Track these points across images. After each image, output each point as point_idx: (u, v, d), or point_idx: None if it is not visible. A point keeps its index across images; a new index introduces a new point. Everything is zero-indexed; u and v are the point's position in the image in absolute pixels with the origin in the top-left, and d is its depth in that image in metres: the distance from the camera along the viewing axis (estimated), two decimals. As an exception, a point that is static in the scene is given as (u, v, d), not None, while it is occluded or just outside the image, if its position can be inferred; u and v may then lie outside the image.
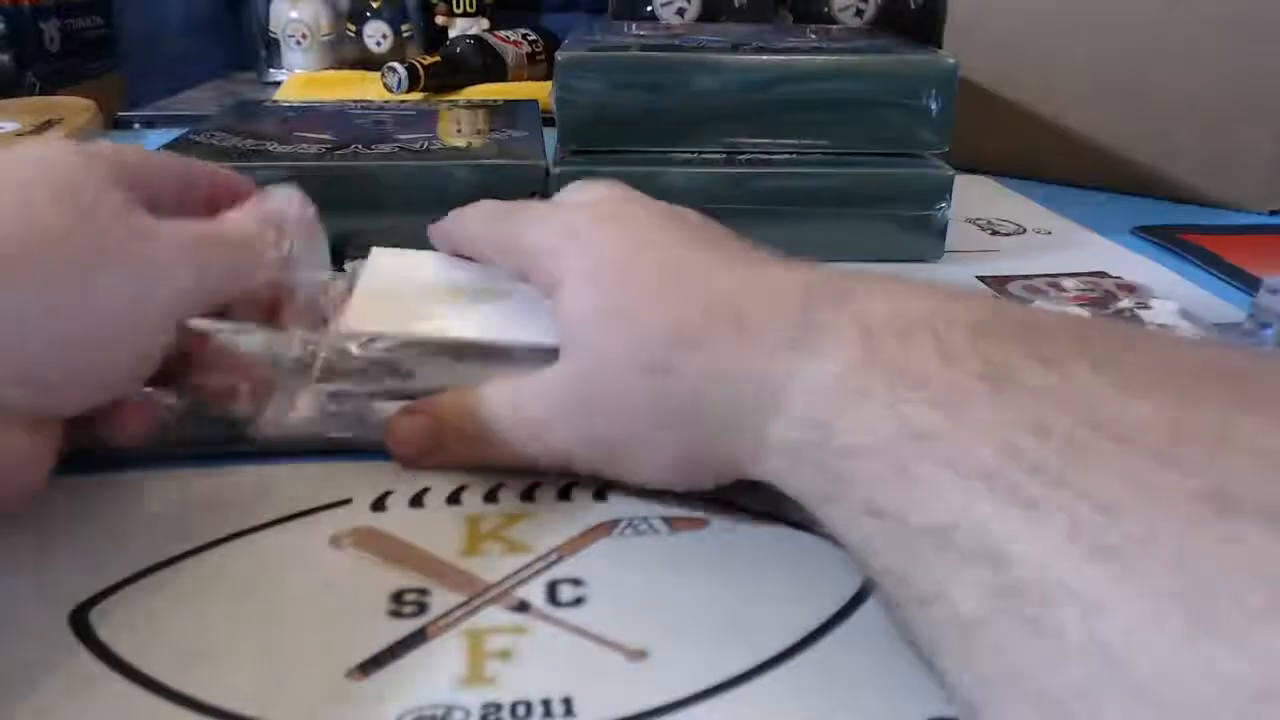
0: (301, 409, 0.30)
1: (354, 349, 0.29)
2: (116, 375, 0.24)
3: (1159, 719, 0.13)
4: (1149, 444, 0.15)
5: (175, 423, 0.29)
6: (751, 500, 0.27)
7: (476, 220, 0.32)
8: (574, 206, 0.29)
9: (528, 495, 0.27)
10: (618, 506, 0.27)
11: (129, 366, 0.24)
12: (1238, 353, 0.18)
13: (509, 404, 0.27)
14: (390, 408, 0.29)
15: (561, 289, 0.26)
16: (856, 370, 0.20)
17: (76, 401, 0.23)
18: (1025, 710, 0.15)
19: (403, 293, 0.32)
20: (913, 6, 0.76)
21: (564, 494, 0.27)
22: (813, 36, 0.58)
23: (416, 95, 0.79)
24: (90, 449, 0.26)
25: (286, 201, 0.30)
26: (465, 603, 0.23)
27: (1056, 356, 0.18)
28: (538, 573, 0.24)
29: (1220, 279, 0.46)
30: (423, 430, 0.28)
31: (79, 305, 0.22)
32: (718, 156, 0.47)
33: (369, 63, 0.96)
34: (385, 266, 0.34)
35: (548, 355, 0.27)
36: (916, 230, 0.47)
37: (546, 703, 0.20)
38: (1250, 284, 0.44)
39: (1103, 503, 0.15)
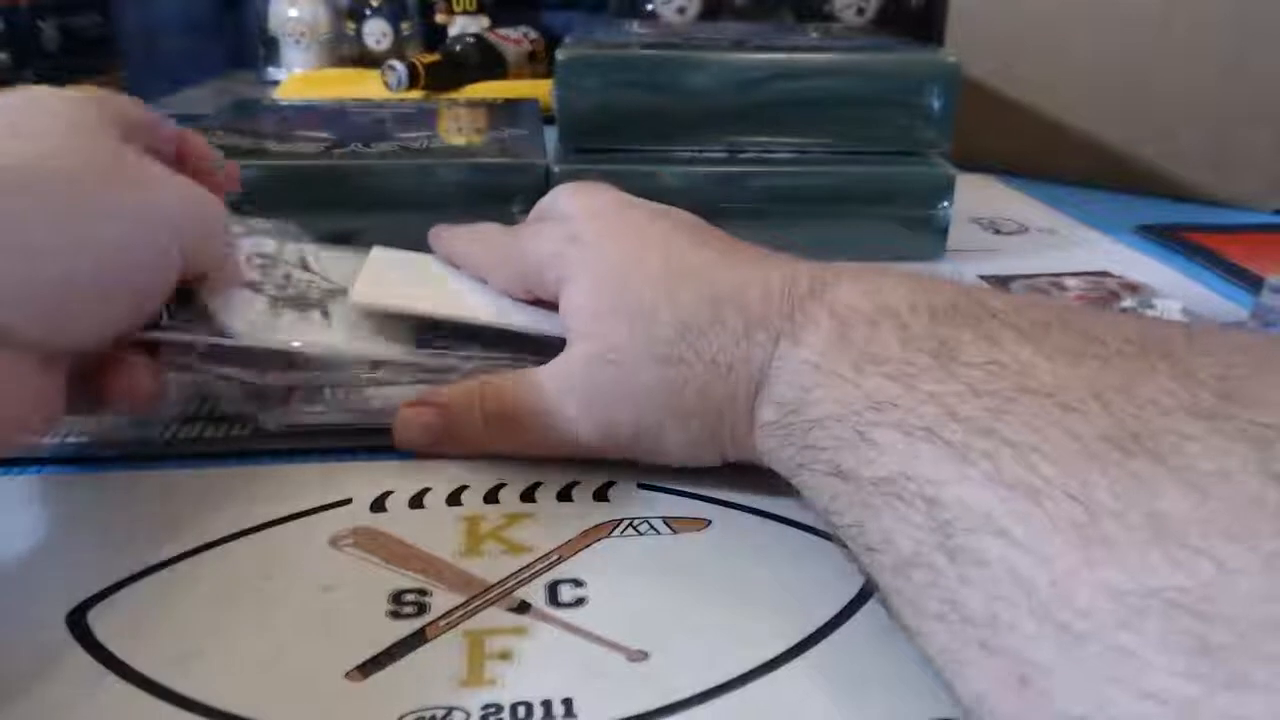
0: (300, 397, 0.30)
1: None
2: (120, 308, 0.24)
3: (1060, 630, 0.15)
4: (1065, 400, 0.17)
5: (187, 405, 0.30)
6: (752, 500, 0.27)
7: (475, 240, 0.34)
8: (573, 216, 0.29)
9: (528, 496, 0.27)
10: (618, 507, 0.27)
11: (132, 300, 0.24)
12: (1159, 326, 0.20)
13: (521, 394, 0.28)
14: (387, 393, 0.30)
15: (569, 288, 0.28)
16: (828, 355, 0.22)
17: (81, 334, 0.23)
18: (955, 634, 0.17)
19: (406, 277, 0.34)
20: (914, 5, 0.76)
21: (564, 495, 0.27)
22: (814, 35, 0.58)
23: (416, 93, 0.79)
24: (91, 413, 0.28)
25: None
26: (465, 603, 0.23)
27: (999, 335, 0.20)
28: (538, 573, 0.24)
29: (1223, 278, 0.46)
30: (430, 421, 0.29)
31: (88, 235, 0.22)
32: (718, 155, 0.47)
33: (368, 61, 0.96)
34: (386, 259, 0.35)
35: (548, 343, 0.28)
36: (918, 229, 0.47)
37: (547, 704, 0.20)
38: (1254, 283, 0.44)
39: (1021, 447, 0.17)
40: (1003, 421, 0.18)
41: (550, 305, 0.29)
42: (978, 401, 0.18)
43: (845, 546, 0.25)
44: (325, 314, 0.30)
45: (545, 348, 0.29)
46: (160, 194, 0.25)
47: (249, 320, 0.28)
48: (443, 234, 0.35)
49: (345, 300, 0.31)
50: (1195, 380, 0.17)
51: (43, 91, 0.26)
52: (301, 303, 0.30)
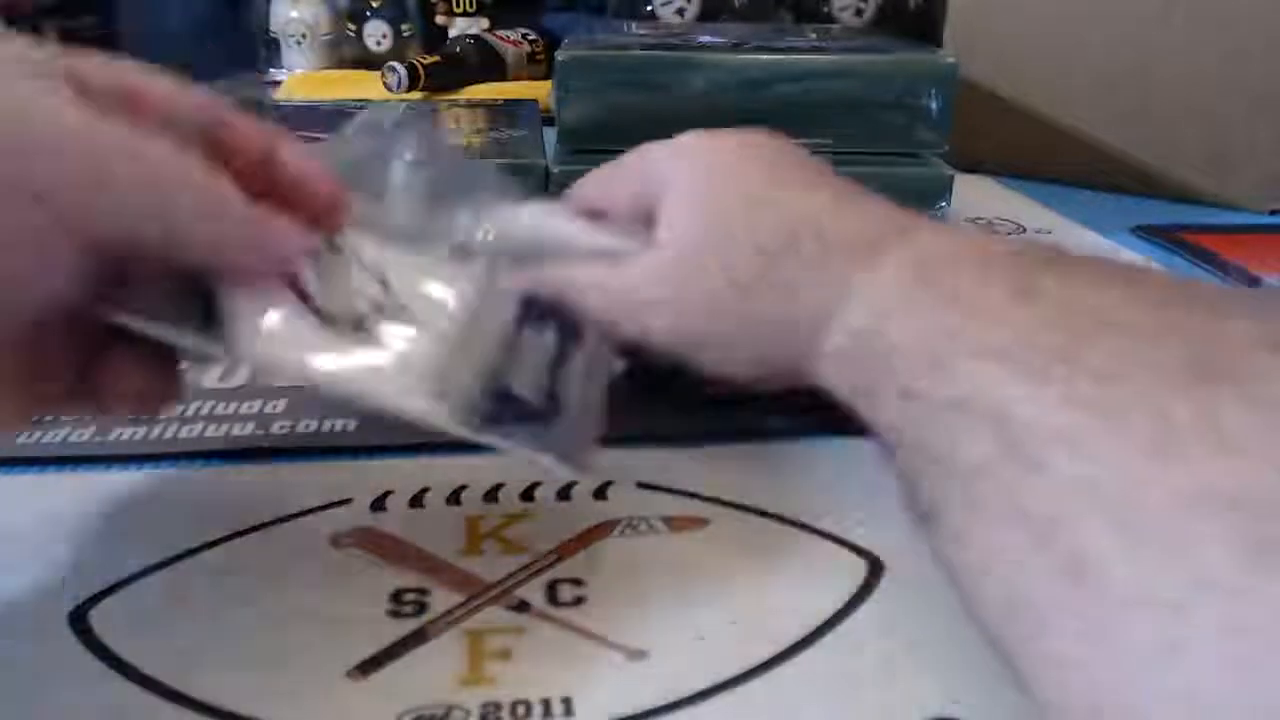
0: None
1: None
2: None
3: (1123, 526, 0.16)
4: (1144, 334, 0.18)
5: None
6: (752, 500, 0.27)
7: (600, 170, 0.34)
8: (677, 139, 0.31)
9: (527, 495, 0.27)
10: (617, 506, 0.27)
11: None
12: (1221, 286, 0.22)
13: (605, 280, 0.29)
14: None
15: (666, 198, 0.29)
16: (907, 290, 0.23)
17: None
18: (1014, 536, 0.18)
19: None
20: (912, 6, 0.76)
21: (563, 494, 0.27)
22: (812, 36, 0.58)
23: (416, 95, 0.79)
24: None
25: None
26: (465, 602, 0.23)
27: (1081, 281, 0.20)
28: (537, 572, 0.24)
29: (1220, 278, 0.46)
30: None
31: None
32: (717, 156, 0.47)
33: (369, 62, 0.96)
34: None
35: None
36: (916, 230, 0.47)
37: (546, 702, 0.20)
38: (1249, 283, 0.44)
39: (1098, 372, 0.18)
40: (1081, 349, 0.18)
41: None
42: (1055, 332, 0.19)
43: (845, 545, 0.25)
44: (379, 341, 0.24)
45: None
46: (27, 138, 0.18)
47: (267, 338, 0.22)
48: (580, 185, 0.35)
49: (410, 320, 0.25)
50: (1268, 322, 0.18)
51: None
52: (354, 324, 0.24)
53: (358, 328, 0.24)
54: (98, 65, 0.22)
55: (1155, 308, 0.19)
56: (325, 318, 0.23)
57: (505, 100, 0.69)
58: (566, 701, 0.20)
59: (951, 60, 0.47)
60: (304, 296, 0.23)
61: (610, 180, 0.33)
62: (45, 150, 0.19)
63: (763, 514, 0.26)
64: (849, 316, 0.24)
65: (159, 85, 0.23)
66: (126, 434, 0.30)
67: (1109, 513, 0.16)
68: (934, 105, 0.46)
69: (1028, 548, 0.17)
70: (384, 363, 0.24)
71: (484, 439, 0.23)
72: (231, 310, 0.22)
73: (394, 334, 0.25)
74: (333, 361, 0.23)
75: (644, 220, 0.30)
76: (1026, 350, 0.19)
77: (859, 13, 0.78)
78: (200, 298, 0.22)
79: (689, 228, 0.28)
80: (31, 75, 0.20)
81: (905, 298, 0.23)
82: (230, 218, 0.22)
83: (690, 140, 0.30)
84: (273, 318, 0.23)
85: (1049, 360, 0.18)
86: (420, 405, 0.23)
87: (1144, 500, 0.16)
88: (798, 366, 0.26)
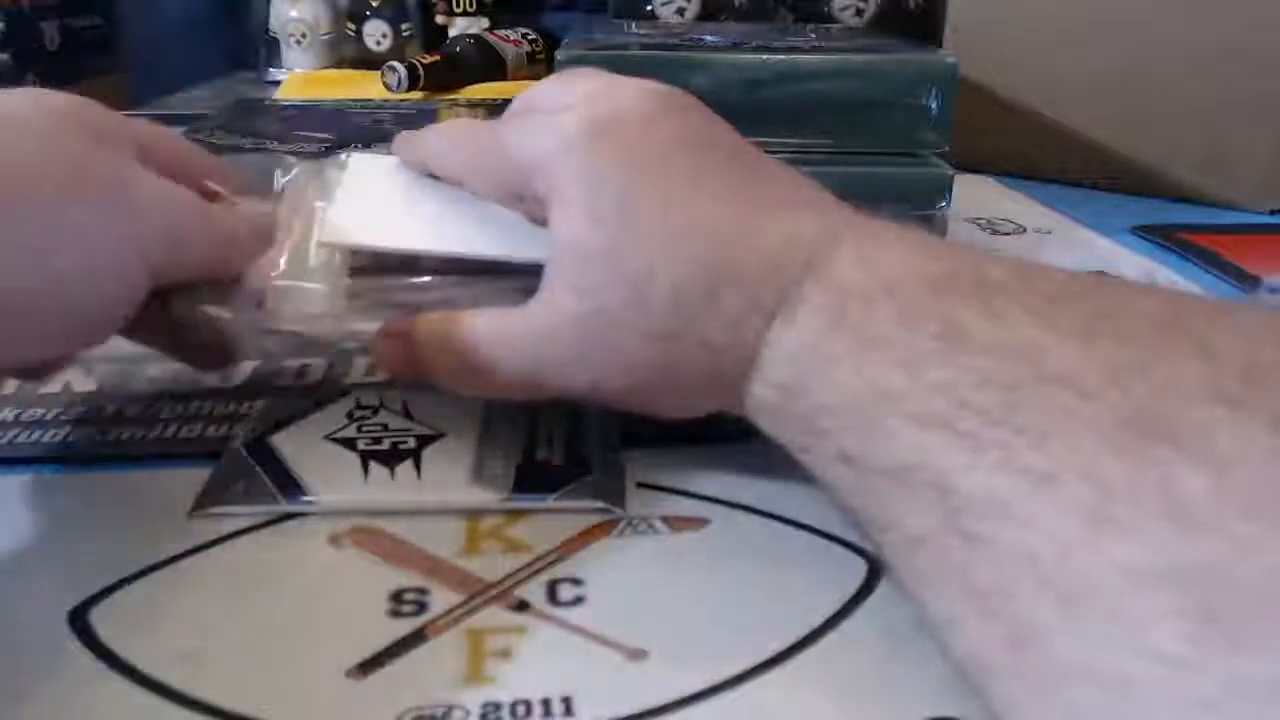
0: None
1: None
2: (69, 328, 0.24)
3: (1062, 599, 0.16)
4: (1080, 384, 0.17)
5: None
6: (752, 500, 0.27)
7: (447, 139, 0.30)
8: (568, 109, 0.26)
9: (527, 495, 0.27)
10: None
11: (86, 320, 0.24)
12: (1175, 302, 0.20)
13: (499, 340, 0.26)
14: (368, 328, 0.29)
15: (558, 210, 0.25)
16: (825, 337, 0.22)
17: (20, 356, 0.23)
18: (957, 603, 0.18)
19: (382, 201, 0.30)
20: (912, 6, 0.76)
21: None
22: (813, 35, 0.58)
23: (416, 94, 0.79)
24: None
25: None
26: (465, 602, 0.23)
27: (1005, 310, 0.19)
28: (537, 572, 0.24)
29: (1219, 278, 0.46)
30: (398, 356, 0.28)
31: (33, 252, 0.21)
32: (717, 156, 0.47)
33: (369, 62, 0.96)
34: (360, 174, 0.31)
35: (536, 271, 0.26)
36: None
37: (546, 702, 0.20)
38: (1249, 283, 0.44)
39: (1034, 435, 0.17)
40: (1016, 410, 0.18)
41: (536, 213, 0.27)
42: (989, 390, 0.18)
43: (845, 546, 0.25)
44: (418, 465, 0.28)
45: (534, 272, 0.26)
46: (130, 202, 0.24)
47: (333, 480, 0.27)
48: (409, 139, 0.31)
49: (438, 446, 0.29)
50: (1218, 362, 0.17)
51: (17, 94, 0.25)
52: (394, 457, 0.28)
53: (410, 459, 0.28)
54: (127, 122, 0.27)
55: (1088, 343, 0.18)
56: (380, 459, 0.28)
57: (505, 100, 0.69)
58: (566, 701, 0.20)
59: (951, 60, 0.47)
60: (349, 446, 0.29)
61: (468, 156, 0.29)
62: (145, 212, 0.24)
63: (764, 515, 0.26)
64: (771, 369, 0.23)
65: (162, 135, 0.29)
66: (126, 433, 0.30)
67: (1048, 585, 0.16)
68: (934, 105, 0.46)
69: (972, 617, 0.17)
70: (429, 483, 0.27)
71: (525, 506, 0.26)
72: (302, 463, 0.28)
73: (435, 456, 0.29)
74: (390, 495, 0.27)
75: (512, 201, 0.28)
76: (960, 413, 0.18)
77: (859, 13, 0.78)
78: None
79: (596, 274, 0.24)
80: (115, 145, 0.25)
81: (825, 351, 0.21)
82: (241, 248, 0.28)
83: (576, 119, 0.25)
84: (345, 465, 0.28)
85: (984, 425, 0.18)
86: (463, 497, 0.27)
87: (1083, 571, 0.15)
88: (730, 408, 0.25)
